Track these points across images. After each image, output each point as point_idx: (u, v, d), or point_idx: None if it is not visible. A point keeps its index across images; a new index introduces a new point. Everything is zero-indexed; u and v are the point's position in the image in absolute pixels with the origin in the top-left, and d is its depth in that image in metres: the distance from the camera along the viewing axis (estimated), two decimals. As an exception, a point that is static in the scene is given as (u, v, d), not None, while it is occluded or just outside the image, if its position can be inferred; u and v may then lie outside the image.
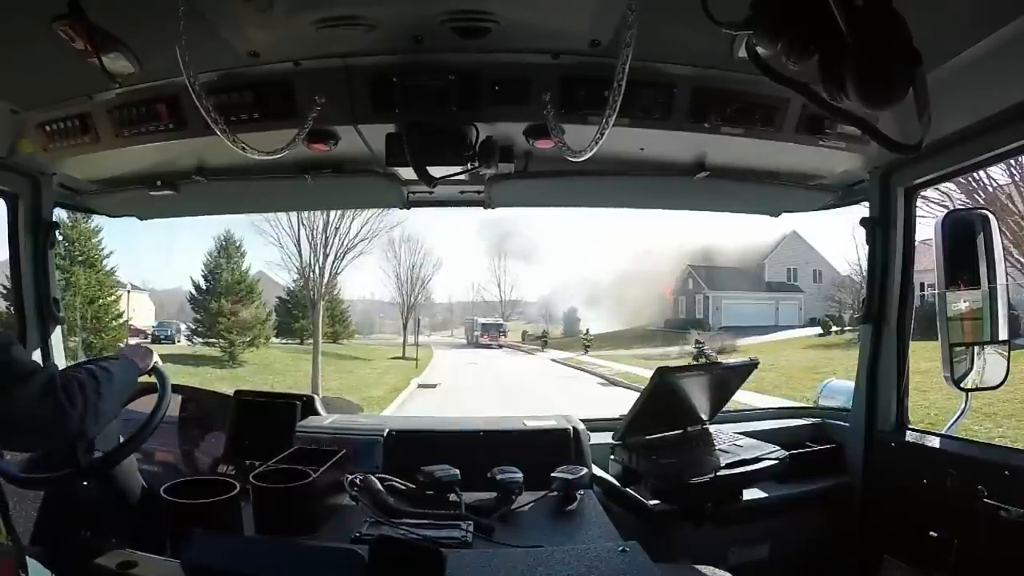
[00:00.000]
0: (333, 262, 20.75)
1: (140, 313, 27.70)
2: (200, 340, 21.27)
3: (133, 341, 19.67)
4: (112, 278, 19.76)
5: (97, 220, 16.99)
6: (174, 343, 22.98)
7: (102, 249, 19.45)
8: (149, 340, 22.38)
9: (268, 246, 27.65)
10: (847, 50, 0.83)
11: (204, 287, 21.81)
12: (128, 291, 25.47)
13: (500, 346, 31.59)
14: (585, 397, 14.59)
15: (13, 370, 1.10)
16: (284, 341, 24.20)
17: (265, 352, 21.39)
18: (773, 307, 29.63)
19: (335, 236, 20.38)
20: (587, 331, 29.75)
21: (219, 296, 21.21)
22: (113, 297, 19.63)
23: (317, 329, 19.57)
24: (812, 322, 26.25)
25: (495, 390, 16.97)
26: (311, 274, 20.37)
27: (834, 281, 27.00)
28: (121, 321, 19.74)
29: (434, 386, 17.49)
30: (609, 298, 37.74)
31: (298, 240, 20.50)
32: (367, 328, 35.29)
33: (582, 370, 21.04)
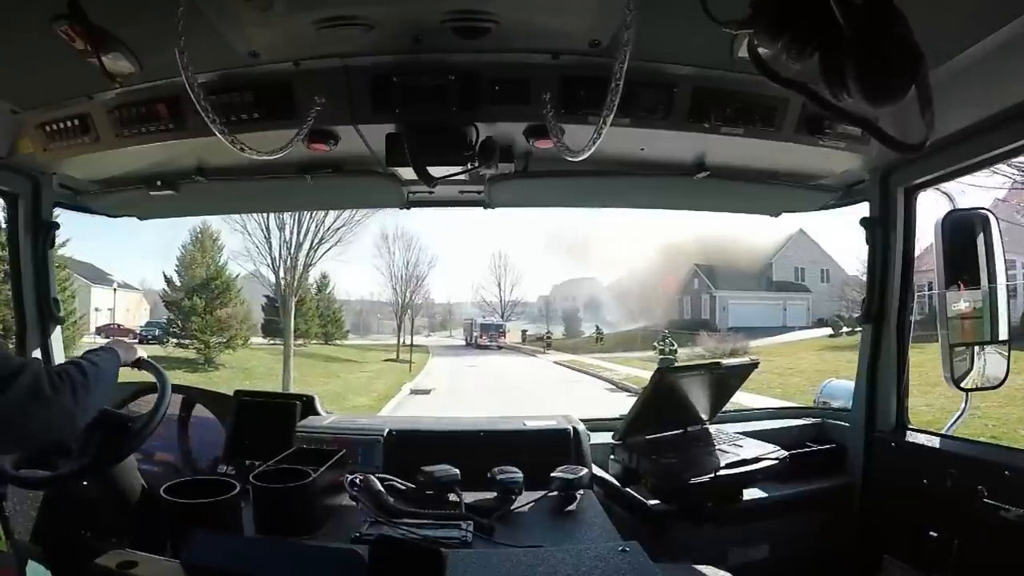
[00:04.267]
0: (308, 252, 18.90)
1: (135, 313, 27.10)
2: (174, 341, 19.42)
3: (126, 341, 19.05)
4: (65, 271, 15.62)
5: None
6: (162, 343, 20.32)
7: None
8: (137, 340, 21.69)
9: (235, 233, 24.23)
10: (847, 45, 0.83)
11: (177, 283, 20.10)
12: (115, 289, 24.50)
13: (500, 347, 31.42)
14: (596, 401, 13.97)
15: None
16: (271, 341, 22.35)
17: (246, 354, 19.82)
18: (781, 307, 29.34)
19: (309, 220, 18.39)
20: (597, 327, 32.05)
21: (192, 293, 19.35)
22: (68, 292, 15.87)
23: (288, 328, 17.98)
24: (820, 322, 25.97)
25: (496, 393, 16.02)
26: (279, 266, 18.51)
27: (844, 280, 26.67)
28: (74, 320, 16.52)
29: (428, 392, 16.43)
30: (611, 298, 37.69)
31: (267, 227, 18.54)
32: (364, 329, 35.07)
33: (587, 373, 20.50)
